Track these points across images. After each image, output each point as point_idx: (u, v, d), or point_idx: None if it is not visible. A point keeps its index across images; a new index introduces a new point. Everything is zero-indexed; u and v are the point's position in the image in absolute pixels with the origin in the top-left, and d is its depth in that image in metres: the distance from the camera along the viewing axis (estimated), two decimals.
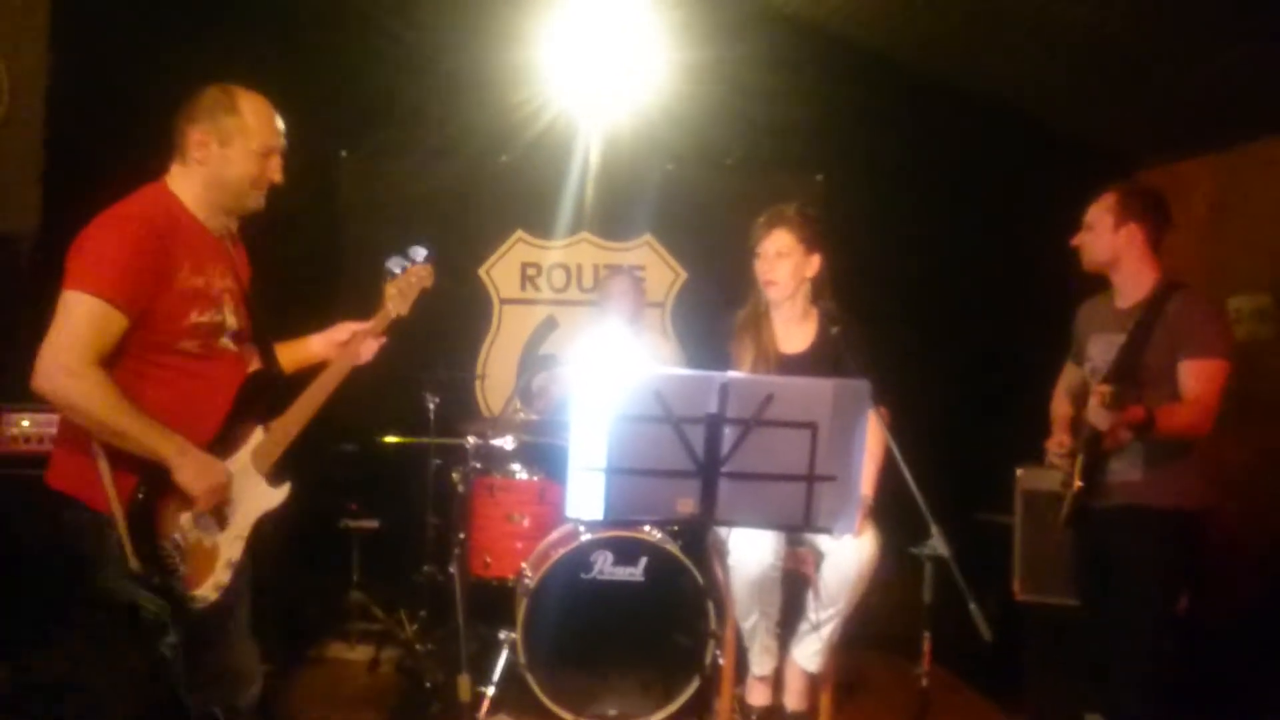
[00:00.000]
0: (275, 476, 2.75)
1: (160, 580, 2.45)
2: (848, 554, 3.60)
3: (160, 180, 2.65)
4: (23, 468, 3.39)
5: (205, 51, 5.00)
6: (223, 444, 2.61)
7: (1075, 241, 3.45)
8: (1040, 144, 5.64)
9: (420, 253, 3.13)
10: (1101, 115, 5.39)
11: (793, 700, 3.86)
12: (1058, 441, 3.52)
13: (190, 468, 2.47)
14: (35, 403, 3.41)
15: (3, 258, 3.56)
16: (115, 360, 2.45)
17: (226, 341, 2.66)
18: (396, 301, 3.05)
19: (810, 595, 3.73)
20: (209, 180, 2.63)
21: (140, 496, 2.43)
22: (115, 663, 2.59)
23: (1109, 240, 3.38)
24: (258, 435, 2.70)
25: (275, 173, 2.71)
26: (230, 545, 2.62)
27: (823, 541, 3.66)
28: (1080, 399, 3.54)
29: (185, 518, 2.51)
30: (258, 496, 2.70)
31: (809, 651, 3.76)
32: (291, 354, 2.95)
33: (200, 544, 2.54)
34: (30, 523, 3.14)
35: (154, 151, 2.65)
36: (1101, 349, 3.43)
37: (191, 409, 2.54)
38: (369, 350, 3.00)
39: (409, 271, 3.10)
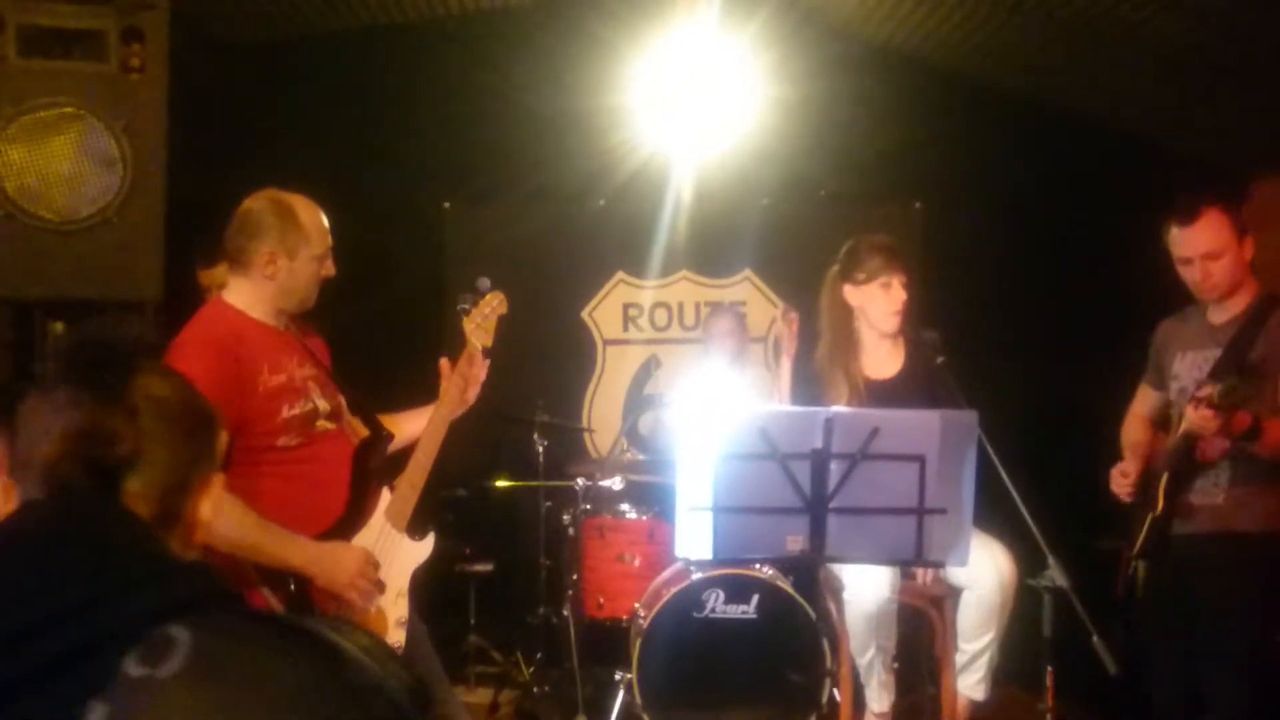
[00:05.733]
0: (416, 530, 2.81)
1: None
2: (988, 581, 3.54)
3: (216, 298, 2.74)
4: None
5: (313, 120, 5.23)
6: (354, 515, 2.68)
7: (1200, 275, 3.21)
8: (1145, 161, 5.49)
9: (485, 283, 3.16)
10: (1206, 129, 5.25)
11: None
12: (1121, 471, 3.38)
13: (324, 573, 2.54)
14: None
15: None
16: (227, 470, 2.52)
17: (324, 423, 2.72)
18: (478, 334, 3.08)
19: (959, 628, 3.69)
20: (277, 291, 2.68)
21: (293, 587, 2.51)
22: None
23: (1237, 259, 3.18)
24: (385, 497, 2.77)
25: (329, 269, 2.76)
26: (394, 605, 2.69)
27: (959, 575, 3.59)
28: (1159, 424, 3.43)
29: None
30: (405, 553, 2.78)
31: (972, 681, 3.71)
32: (419, 420, 3.00)
33: (366, 613, 2.61)
34: None
35: None
36: (1190, 366, 3.28)
37: (311, 493, 2.62)
38: (474, 388, 3.02)
39: (481, 304, 3.12)
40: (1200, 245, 3.18)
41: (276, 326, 2.74)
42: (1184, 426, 3.14)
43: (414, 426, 2.99)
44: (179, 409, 1.39)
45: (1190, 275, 3.24)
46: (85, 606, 1.15)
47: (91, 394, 1.32)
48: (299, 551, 2.53)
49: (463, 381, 2.97)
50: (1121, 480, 3.38)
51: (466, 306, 3.11)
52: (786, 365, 3.78)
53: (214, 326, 2.64)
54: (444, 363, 3.02)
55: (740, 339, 5.17)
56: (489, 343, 3.11)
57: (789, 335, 3.80)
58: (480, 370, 3.02)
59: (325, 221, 2.76)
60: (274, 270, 2.65)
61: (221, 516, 2.42)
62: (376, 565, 2.65)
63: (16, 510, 1.30)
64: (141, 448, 1.33)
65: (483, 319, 3.10)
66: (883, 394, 3.70)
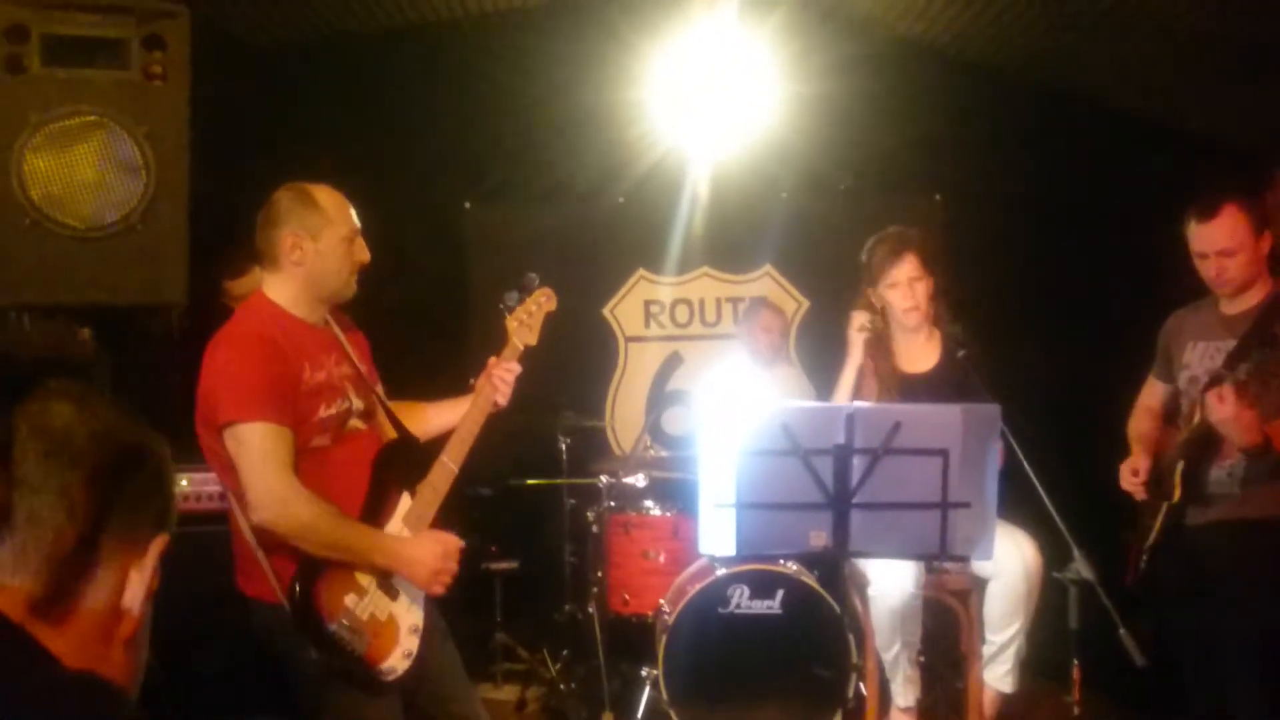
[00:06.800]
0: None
1: (341, 664, 2.49)
2: (1013, 570, 3.54)
3: (257, 293, 2.71)
4: (185, 525, 3.54)
5: (334, 122, 5.25)
6: (369, 519, 2.64)
7: (1214, 271, 3.23)
8: (1167, 150, 5.44)
9: (533, 279, 3.06)
10: (1230, 117, 5.20)
11: None
12: (1131, 469, 3.38)
13: (408, 570, 2.58)
14: (192, 462, 3.59)
15: (156, 327, 3.76)
16: None
17: (356, 423, 2.70)
18: (521, 333, 2.98)
19: (986, 619, 3.69)
20: (308, 278, 2.66)
21: (297, 589, 2.47)
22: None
23: (1253, 256, 3.20)
24: (405, 501, 2.72)
25: (362, 253, 2.73)
26: (408, 612, 2.64)
27: (984, 565, 3.59)
28: (1168, 416, 3.43)
29: (350, 598, 2.53)
30: None
31: (1000, 672, 3.71)
32: (453, 411, 2.95)
33: (375, 618, 2.57)
34: (199, 578, 3.25)
35: None
36: (1201, 356, 3.30)
37: (335, 498, 2.57)
38: (506, 388, 2.92)
39: (529, 300, 3.03)
40: (1217, 242, 3.20)
41: (316, 323, 2.73)
42: (1202, 416, 3.14)
43: (445, 418, 2.94)
44: (85, 445, 1.01)
45: (1206, 270, 3.26)
46: None
47: None
48: (384, 551, 2.56)
49: (494, 388, 2.90)
50: (1132, 478, 3.39)
51: (510, 304, 3.02)
52: (850, 371, 3.75)
53: (260, 321, 2.62)
54: (492, 360, 2.95)
55: (779, 334, 5.17)
56: (534, 341, 3.01)
57: (861, 343, 3.75)
58: (510, 373, 2.93)
59: (349, 206, 2.74)
60: (300, 255, 2.64)
61: (314, 516, 2.45)
62: (461, 548, 2.67)
63: None
64: (12, 503, 0.97)
65: (528, 315, 3.00)
66: (918, 388, 3.70)
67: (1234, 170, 3.46)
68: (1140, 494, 3.38)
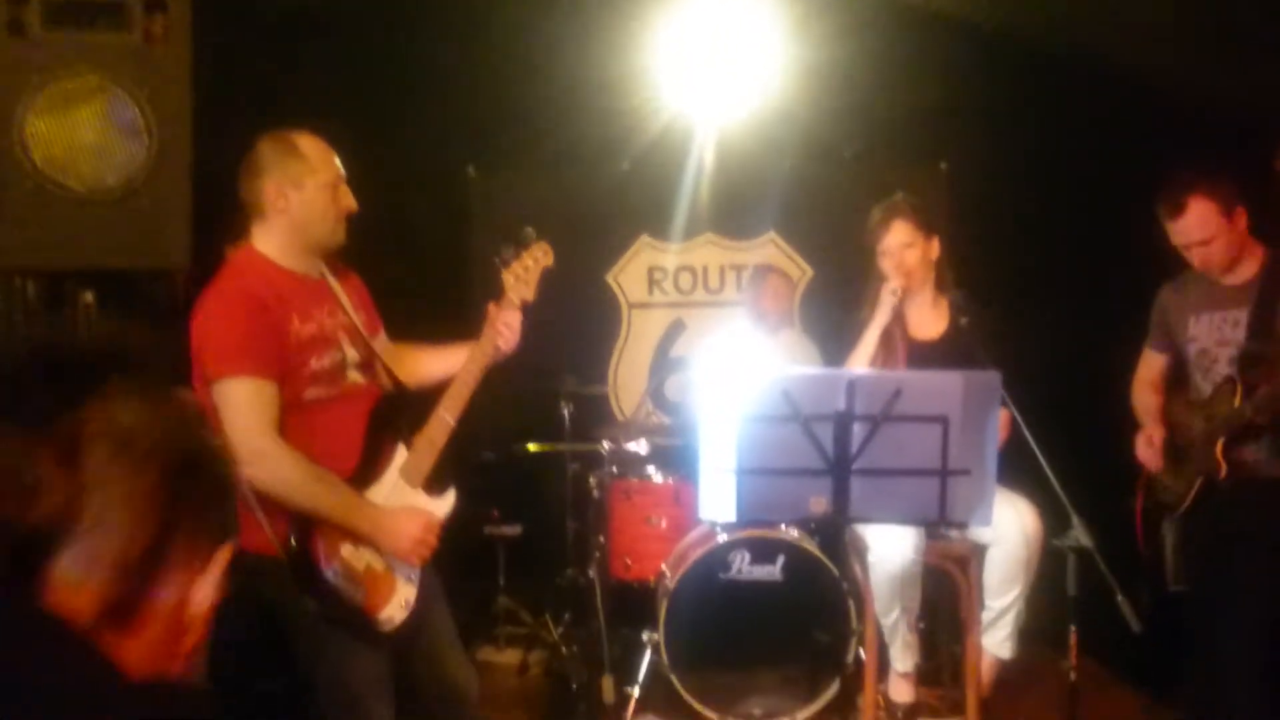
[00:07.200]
0: (434, 487, 2.76)
1: (339, 614, 2.52)
2: (1013, 536, 3.57)
3: (246, 244, 2.70)
4: None
5: (337, 86, 5.22)
6: (365, 471, 2.65)
7: (1199, 260, 3.31)
8: (1173, 117, 5.40)
9: (530, 233, 3.02)
10: (1237, 83, 5.16)
11: (983, 690, 3.82)
12: (1147, 439, 3.43)
13: (388, 539, 2.58)
14: None
15: (160, 291, 3.75)
16: None
17: (354, 375, 2.70)
18: (518, 288, 2.93)
19: (985, 585, 3.72)
20: (292, 226, 2.65)
21: (293, 541, 2.49)
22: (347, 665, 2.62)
23: (1231, 236, 3.26)
24: (401, 453, 2.72)
25: (347, 200, 2.71)
26: (404, 563, 2.65)
27: (983, 531, 3.61)
28: (1171, 385, 3.46)
29: (346, 548, 2.55)
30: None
31: (999, 638, 3.75)
32: (454, 357, 2.91)
33: (371, 568, 2.59)
34: None
35: None
36: (1209, 328, 3.34)
37: (325, 448, 2.58)
38: (511, 334, 2.88)
39: (525, 255, 2.98)
40: (1192, 235, 3.28)
41: (309, 274, 2.71)
42: (1255, 398, 3.15)
43: (444, 364, 2.91)
44: (154, 446, 0.96)
45: (1191, 258, 3.34)
46: None
47: (13, 422, 0.92)
48: (365, 518, 2.57)
49: (496, 332, 2.86)
50: (1149, 450, 3.42)
51: (507, 257, 2.98)
52: (874, 333, 3.75)
53: (243, 275, 2.62)
54: (492, 306, 2.91)
55: (786, 299, 5.17)
56: (530, 296, 2.96)
57: (888, 307, 3.75)
58: (514, 318, 2.88)
59: (333, 153, 2.71)
60: (285, 204, 2.63)
61: (292, 476, 2.46)
62: (438, 529, 2.68)
63: None
64: (80, 505, 0.92)
65: (524, 270, 2.96)
66: (927, 354, 3.72)
67: (1246, 143, 3.46)
68: (1156, 464, 3.41)
